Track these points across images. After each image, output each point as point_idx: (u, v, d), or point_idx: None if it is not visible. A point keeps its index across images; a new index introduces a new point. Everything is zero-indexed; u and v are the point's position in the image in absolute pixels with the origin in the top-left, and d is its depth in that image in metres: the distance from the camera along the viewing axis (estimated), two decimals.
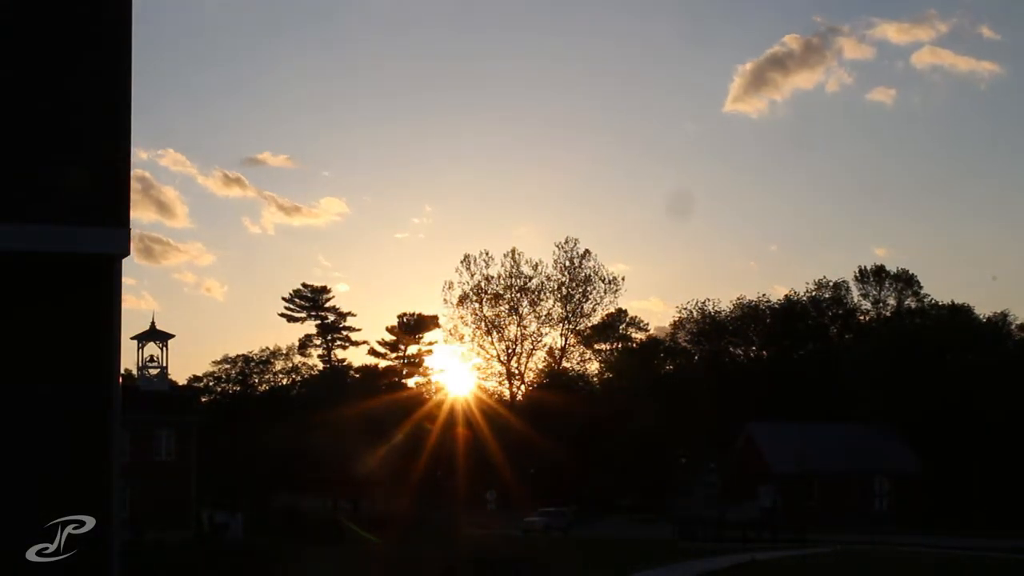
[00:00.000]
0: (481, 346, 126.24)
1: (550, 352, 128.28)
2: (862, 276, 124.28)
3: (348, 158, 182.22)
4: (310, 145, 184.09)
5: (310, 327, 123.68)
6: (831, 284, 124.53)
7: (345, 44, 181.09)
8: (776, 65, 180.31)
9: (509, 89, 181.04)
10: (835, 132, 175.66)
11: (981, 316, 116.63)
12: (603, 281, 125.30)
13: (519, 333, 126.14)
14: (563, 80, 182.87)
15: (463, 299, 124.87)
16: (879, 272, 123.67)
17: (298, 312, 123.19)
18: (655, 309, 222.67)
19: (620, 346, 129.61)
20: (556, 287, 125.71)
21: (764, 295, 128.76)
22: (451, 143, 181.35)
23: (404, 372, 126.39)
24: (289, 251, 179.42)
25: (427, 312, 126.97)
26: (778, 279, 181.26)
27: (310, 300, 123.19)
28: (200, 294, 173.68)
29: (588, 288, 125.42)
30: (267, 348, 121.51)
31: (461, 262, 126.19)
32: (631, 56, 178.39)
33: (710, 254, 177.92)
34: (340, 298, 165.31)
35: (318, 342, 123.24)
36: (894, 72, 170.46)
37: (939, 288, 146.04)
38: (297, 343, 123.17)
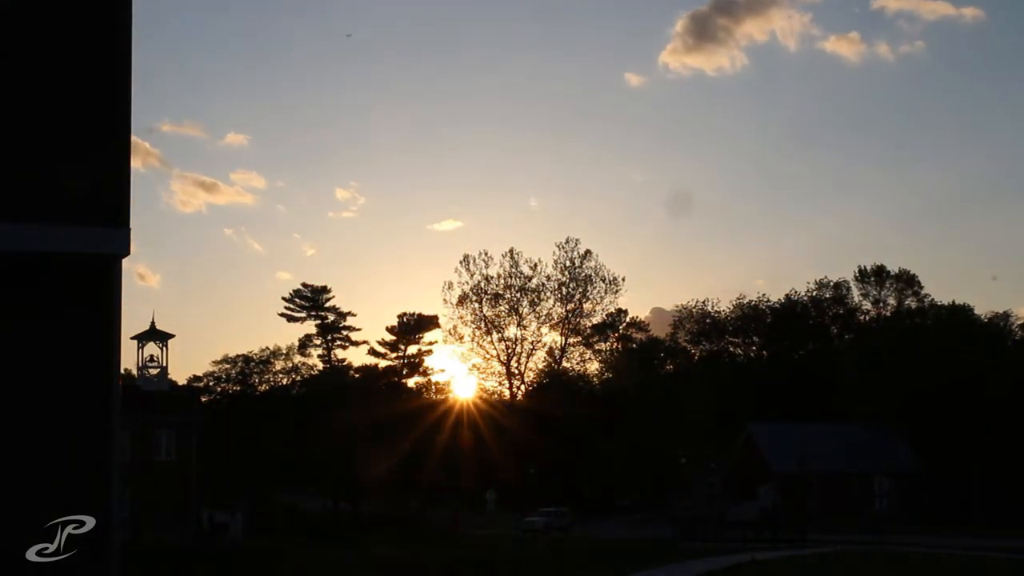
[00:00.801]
0: (481, 346, 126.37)
1: (550, 352, 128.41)
2: (862, 276, 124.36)
3: (264, 129, 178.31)
4: (216, 114, 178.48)
5: (310, 327, 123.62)
6: (831, 284, 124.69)
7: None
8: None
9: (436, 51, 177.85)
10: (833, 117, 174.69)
11: (981, 316, 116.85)
12: (603, 281, 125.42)
13: (519, 333, 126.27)
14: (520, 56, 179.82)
15: (463, 299, 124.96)
16: (879, 272, 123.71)
17: (298, 312, 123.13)
18: (621, 303, 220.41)
19: (620, 346, 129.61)
20: (556, 287, 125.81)
21: (764, 295, 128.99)
22: (379, 116, 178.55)
23: (404, 372, 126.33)
24: (217, 231, 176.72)
25: (427, 312, 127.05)
26: (759, 273, 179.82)
27: (310, 300, 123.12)
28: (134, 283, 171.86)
29: (588, 288, 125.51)
30: (267, 348, 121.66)
31: (460, 262, 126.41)
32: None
33: (686, 247, 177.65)
34: (285, 284, 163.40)
35: (318, 342, 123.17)
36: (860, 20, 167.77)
37: (939, 288, 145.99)
38: (297, 343, 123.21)
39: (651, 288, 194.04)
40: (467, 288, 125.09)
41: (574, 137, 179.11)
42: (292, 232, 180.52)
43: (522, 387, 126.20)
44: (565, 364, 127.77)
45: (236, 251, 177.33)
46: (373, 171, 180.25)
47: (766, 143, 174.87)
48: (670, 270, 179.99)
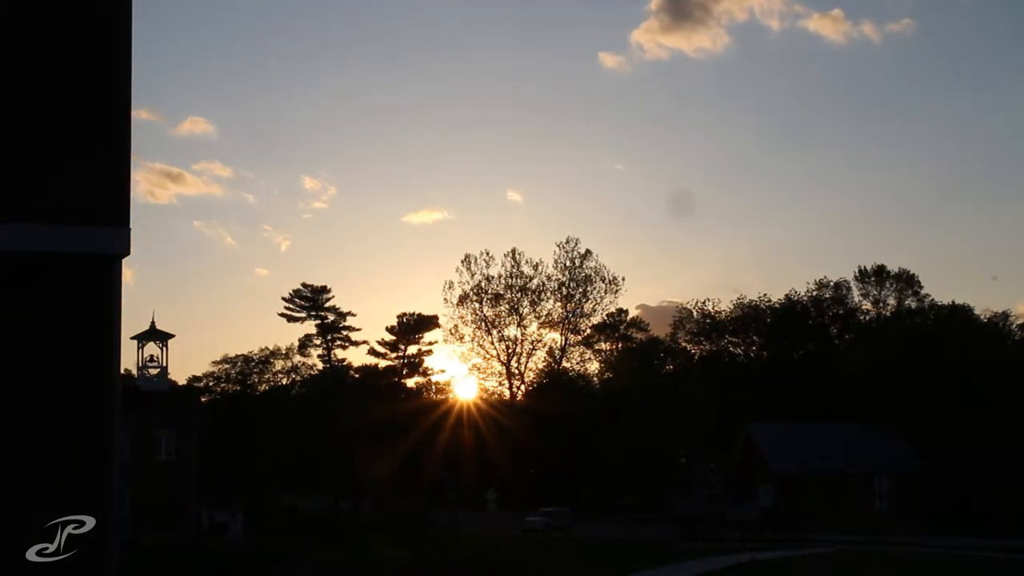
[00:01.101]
0: (481, 346, 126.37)
1: (550, 352, 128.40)
2: (862, 276, 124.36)
3: (227, 116, 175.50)
4: (174, 99, 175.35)
5: (310, 327, 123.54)
6: (831, 284, 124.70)
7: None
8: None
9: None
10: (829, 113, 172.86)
11: (981, 316, 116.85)
12: (603, 281, 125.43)
13: (519, 333, 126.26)
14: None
15: (463, 299, 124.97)
16: (880, 272, 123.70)
17: (298, 312, 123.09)
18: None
19: (620, 346, 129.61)
20: (556, 287, 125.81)
21: (764, 294, 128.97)
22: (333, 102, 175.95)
23: (404, 372, 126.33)
24: (187, 224, 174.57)
25: (427, 312, 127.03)
26: (752, 269, 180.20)
27: (310, 300, 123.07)
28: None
29: (588, 288, 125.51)
30: (266, 348, 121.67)
31: (462, 262, 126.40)
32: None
33: (671, 241, 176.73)
34: (265, 281, 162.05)
35: (318, 342, 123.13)
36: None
37: (939, 288, 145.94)
38: (297, 343, 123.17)
39: (638, 284, 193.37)
40: (468, 288, 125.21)
41: (552, 125, 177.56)
42: (263, 224, 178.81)
43: (522, 387, 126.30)
44: (565, 364, 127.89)
45: (208, 244, 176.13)
46: (346, 162, 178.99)
47: (752, 132, 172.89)
48: (657, 266, 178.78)
